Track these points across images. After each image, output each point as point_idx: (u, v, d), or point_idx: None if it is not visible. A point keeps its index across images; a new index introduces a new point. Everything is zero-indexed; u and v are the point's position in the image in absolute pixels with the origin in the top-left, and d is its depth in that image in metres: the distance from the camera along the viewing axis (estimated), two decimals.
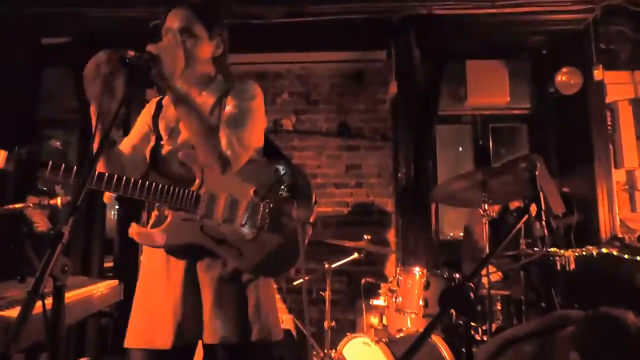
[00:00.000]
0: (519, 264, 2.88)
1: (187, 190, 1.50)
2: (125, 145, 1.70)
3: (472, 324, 2.84)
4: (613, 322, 1.39)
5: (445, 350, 2.69)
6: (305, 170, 4.59)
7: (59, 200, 2.44)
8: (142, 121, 1.74)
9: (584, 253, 2.78)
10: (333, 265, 3.26)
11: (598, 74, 3.87)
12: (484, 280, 2.78)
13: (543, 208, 1.36)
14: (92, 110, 1.40)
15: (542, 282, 3.24)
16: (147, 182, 1.47)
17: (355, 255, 3.34)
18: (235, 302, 1.54)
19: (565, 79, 4.00)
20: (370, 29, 4.12)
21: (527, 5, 3.81)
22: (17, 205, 2.55)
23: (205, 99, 1.63)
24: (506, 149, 4.78)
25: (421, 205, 3.99)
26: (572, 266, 2.73)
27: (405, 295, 2.96)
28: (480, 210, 2.76)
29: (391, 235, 4.31)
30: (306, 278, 3.53)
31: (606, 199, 3.91)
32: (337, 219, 4.38)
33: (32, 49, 4.41)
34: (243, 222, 1.54)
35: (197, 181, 1.53)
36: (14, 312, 1.67)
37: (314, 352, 3.19)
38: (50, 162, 1.39)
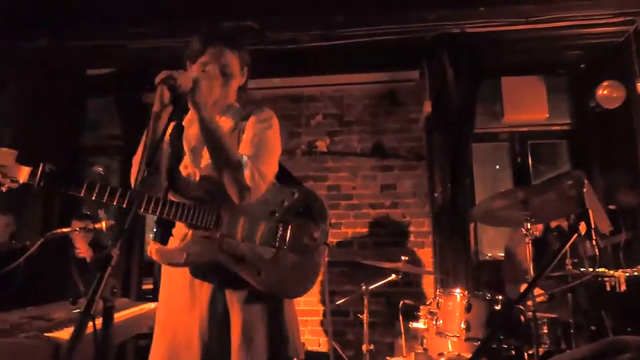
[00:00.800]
0: (567, 286, 2.76)
1: (208, 209, 1.53)
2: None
3: (521, 348, 2.72)
4: None
5: None
6: (340, 191, 4.60)
7: (103, 224, 2.54)
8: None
9: (635, 273, 2.65)
10: (370, 287, 3.22)
11: None
12: (529, 302, 2.67)
13: (593, 226, 1.31)
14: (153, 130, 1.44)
15: (591, 305, 3.09)
16: (169, 201, 1.50)
17: (393, 276, 3.29)
18: (265, 322, 1.56)
19: (607, 93, 3.88)
20: (403, 50, 4.14)
21: (563, 19, 3.75)
22: (64, 230, 2.66)
23: (223, 123, 1.67)
24: (546, 166, 4.65)
25: (459, 225, 3.91)
26: (623, 287, 2.60)
27: (446, 318, 2.87)
28: (523, 230, 2.67)
29: (429, 256, 4.23)
30: (343, 300, 3.49)
31: None
32: (373, 240, 4.34)
33: (78, 80, 4.64)
34: (261, 242, 1.57)
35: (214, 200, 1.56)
36: (62, 334, 1.71)
37: None
38: (72, 179, 1.44)
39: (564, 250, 1.20)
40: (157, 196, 1.50)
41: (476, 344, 2.72)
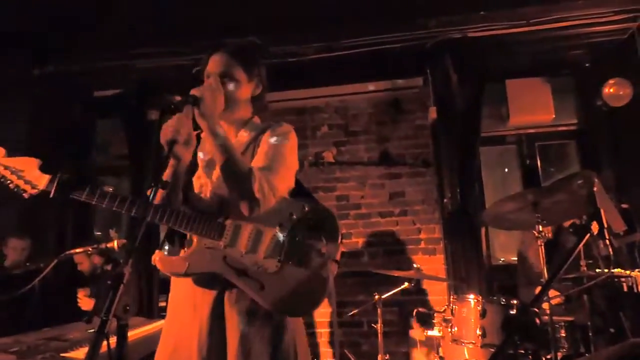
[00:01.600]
0: (582, 287, 2.72)
1: (213, 220, 1.52)
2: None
3: (538, 352, 2.68)
4: None
5: None
6: (349, 201, 4.59)
7: (115, 243, 2.55)
8: None
9: None
10: (383, 296, 3.20)
11: None
12: (544, 305, 2.64)
13: (605, 225, 1.29)
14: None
15: (609, 306, 3.03)
16: (173, 209, 1.50)
17: (405, 284, 3.27)
18: (263, 340, 1.49)
19: (614, 91, 3.86)
20: (405, 57, 4.16)
21: (565, 20, 3.75)
22: (77, 251, 2.68)
23: (241, 138, 1.68)
24: (555, 167, 4.62)
25: (470, 230, 3.88)
26: None
27: (461, 325, 2.84)
28: (535, 232, 2.64)
29: (441, 262, 4.20)
30: (356, 311, 3.46)
31: None
32: (384, 249, 4.32)
33: (85, 102, 4.72)
34: (266, 255, 1.53)
35: (224, 212, 1.55)
36: (78, 354, 1.72)
37: None
38: (88, 186, 1.47)
39: (577, 251, 1.18)
40: (163, 205, 1.50)
41: (493, 350, 2.68)
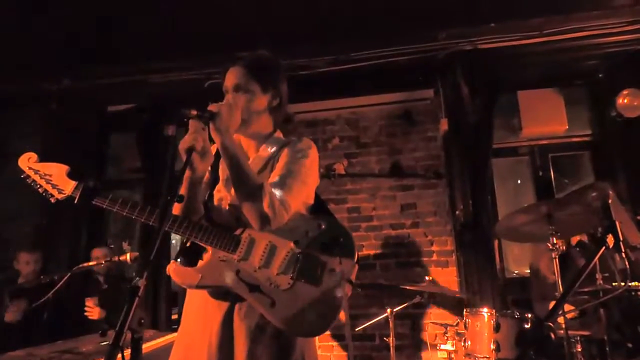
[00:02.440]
0: (599, 301, 2.67)
1: (228, 232, 1.53)
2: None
3: None
4: None
5: None
6: (360, 213, 4.57)
7: (128, 256, 2.57)
8: None
9: None
10: (395, 309, 3.17)
11: None
12: (560, 319, 2.59)
13: (621, 238, 1.27)
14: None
15: (626, 320, 2.98)
16: (190, 221, 1.51)
17: (417, 297, 3.24)
18: (270, 359, 1.47)
19: (628, 101, 3.83)
20: (416, 69, 4.17)
21: (577, 30, 3.74)
22: (90, 264, 2.71)
23: (262, 153, 1.68)
24: (569, 179, 4.57)
25: (483, 242, 3.84)
26: None
27: (475, 339, 2.80)
28: (549, 245, 2.61)
29: (453, 275, 4.15)
30: (368, 324, 3.43)
31: None
32: (395, 261, 4.29)
33: (100, 117, 4.80)
34: (279, 271, 1.51)
35: (241, 226, 1.55)
36: None
37: None
38: (111, 195, 1.53)
39: (592, 264, 1.17)
40: (180, 216, 1.52)
41: None
